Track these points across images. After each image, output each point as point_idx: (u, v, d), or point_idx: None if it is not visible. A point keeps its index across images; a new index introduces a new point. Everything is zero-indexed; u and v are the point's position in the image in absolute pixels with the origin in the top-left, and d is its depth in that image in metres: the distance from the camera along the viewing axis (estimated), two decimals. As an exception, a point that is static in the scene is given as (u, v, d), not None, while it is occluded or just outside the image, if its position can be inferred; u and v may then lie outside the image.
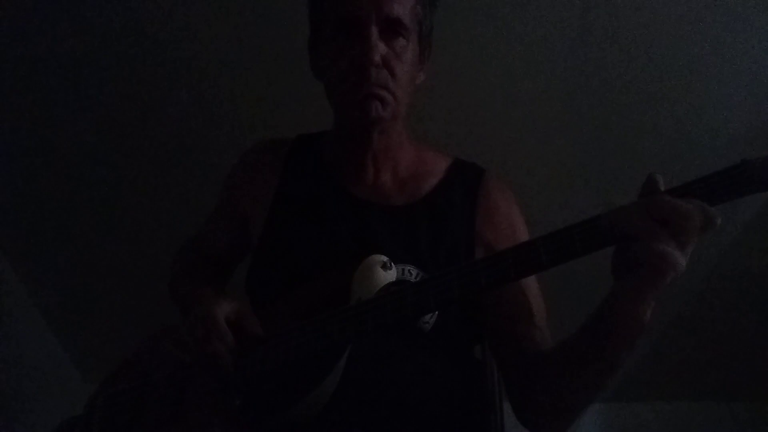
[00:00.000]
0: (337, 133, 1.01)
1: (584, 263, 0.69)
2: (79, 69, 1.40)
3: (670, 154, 1.42)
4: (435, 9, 0.95)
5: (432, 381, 0.86)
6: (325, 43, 0.91)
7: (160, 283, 1.17)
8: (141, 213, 1.59)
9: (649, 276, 0.62)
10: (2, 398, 1.60)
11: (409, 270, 0.85)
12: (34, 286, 1.72)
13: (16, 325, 1.69)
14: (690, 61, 1.33)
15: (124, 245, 1.64)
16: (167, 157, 1.53)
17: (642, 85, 1.36)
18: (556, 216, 0.68)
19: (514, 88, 1.39)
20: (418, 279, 0.85)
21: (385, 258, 0.79)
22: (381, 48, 0.85)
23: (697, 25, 1.29)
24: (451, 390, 0.88)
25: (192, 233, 1.17)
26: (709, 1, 1.26)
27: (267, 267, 0.95)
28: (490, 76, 1.38)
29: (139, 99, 1.45)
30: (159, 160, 1.53)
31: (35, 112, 1.47)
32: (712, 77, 1.35)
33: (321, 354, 0.75)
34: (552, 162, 1.46)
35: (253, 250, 1.01)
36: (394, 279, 0.79)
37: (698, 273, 1.60)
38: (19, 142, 1.51)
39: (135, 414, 0.88)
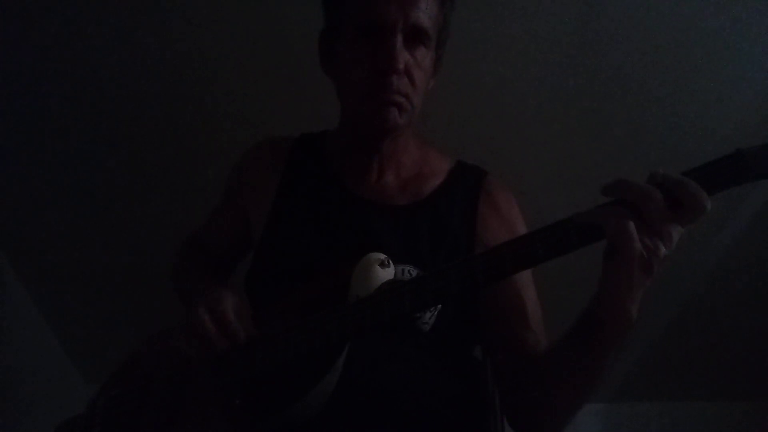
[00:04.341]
0: (343, 133, 1.01)
1: (583, 264, 0.69)
2: (78, 68, 1.40)
3: (668, 153, 1.42)
4: (451, 17, 0.94)
5: (431, 381, 0.86)
6: (344, 43, 0.90)
7: (161, 283, 1.17)
8: (141, 213, 1.59)
9: (620, 259, 0.62)
10: (2, 398, 1.60)
11: (409, 270, 0.85)
12: (34, 286, 1.72)
13: (16, 325, 1.69)
14: (688, 60, 1.33)
15: (124, 245, 1.64)
16: (168, 156, 1.53)
17: (641, 85, 1.37)
18: (556, 216, 0.68)
19: (513, 88, 1.39)
20: (416, 278, 0.85)
21: (383, 256, 0.80)
22: (404, 56, 0.85)
23: (695, 25, 1.29)
24: (450, 390, 0.88)
25: (194, 231, 1.18)
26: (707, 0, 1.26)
27: (268, 265, 0.96)
28: (489, 76, 1.38)
29: (139, 98, 1.44)
30: (160, 159, 1.53)
31: (35, 112, 1.47)
32: (711, 77, 1.35)
33: (319, 352, 0.76)
34: (552, 162, 1.46)
35: (255, 248, 1.01)
36: (392, 277, 0.79)
37: (698, 273, 1.60)
38: (19, 142, 1.51)
39: (136, 414, 0.89)
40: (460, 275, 0.69)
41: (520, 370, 0.83)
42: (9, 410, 1.61)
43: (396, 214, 0.93)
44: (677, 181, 0.61)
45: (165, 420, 0.85)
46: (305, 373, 0.76)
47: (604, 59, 1.34)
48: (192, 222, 1.18)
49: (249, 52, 1.38)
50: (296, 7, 1.28)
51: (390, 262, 0.80)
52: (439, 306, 0.85)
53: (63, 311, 1.76)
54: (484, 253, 0.70)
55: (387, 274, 0.79)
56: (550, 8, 1.29)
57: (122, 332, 1.39)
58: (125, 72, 1.41)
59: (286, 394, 0.76)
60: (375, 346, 0.82)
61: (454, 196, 0.96)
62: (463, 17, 1.28)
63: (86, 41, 1.36)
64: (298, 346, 0.77)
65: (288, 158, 1.03)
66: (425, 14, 0.85)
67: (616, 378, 1.79)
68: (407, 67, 0.85)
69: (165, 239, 1.23)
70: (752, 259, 1.58)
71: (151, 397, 0.88)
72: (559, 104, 1.40)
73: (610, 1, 1.28)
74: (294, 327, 0.78)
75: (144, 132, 1.49)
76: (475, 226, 0.93)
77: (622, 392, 1.82)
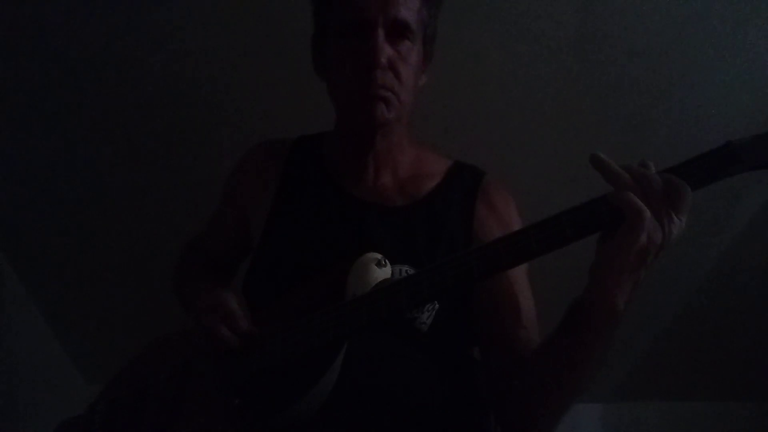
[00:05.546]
0: (338, 133, 1.01)
1: (581, 266, 0.70)
2: (78, 68, 1.40)
3: (669, 153, 1.41)
4: (439, 11, 0.95)
5: (429, 381, 0.86)
6: (330, 42, 0.91)
7: (161, 284, 1.17)
8: (141, 213, 1.59)
9: (622, 234, 0.62)
10: (2, 398, 1.60)
11: (406, 270, 0.86)
12: (34, 286, 1.72)
13: (16, 325, 1.69)
14: (689, 61, 1.33)
15: (124, 245, 1.64)
16: (168, 158, 1.53)
17: (641, 85, 1.37)
18: (555, 216, 0.69)
19: (513, 87, 1.39)
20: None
21: (379, 255, 0.80)
22: (387, 50, 0.86)
23: (695, 24, 1.29)
24: (448, 390, 0.88)
25: (193, 234, 1.18)
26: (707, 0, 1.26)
27: (266, 267, 0.96)
28: (489, 76, 1.38)
29: (139, 99, 1.44)
30: (160, 160, 1.53)
31: (35, 112, 1.47)
32: (712, 76, 1.35)
33: (318, 351, 0.76)
34: (552, 162, 1.46)
35: (254, 250, 1.01)
36: (389, 276, 0.80)
37: (698, 273, 1.60)
38: (19, 142, 1.51)
39: (136, 414, 0.89)
40: (456, 269, 0.69)
41: (510, 367, 0.83)
42: (9, 410, 1.61)
43: (393, 215, 0.94)
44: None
45: (165, 420, 0.85)
46: (304, 373, 0.76)
47: (604, 59, 1.34)
48: (192, 222, 1.18)
49: (249, 54, 1.38)
50: (295, 8, 1.28)
51: (386, 261, 0.80)
52: (437, 306, 0.85)
53: (63, 311, 1.76)
54: (479, 247, 0.70)
55: (384, 273, 0.79)
56: (550, 7, 1.29)
57: (123, 333, 1.39)
58: (125, 72, 1.41)
59: (285, 394, 0.76)
60: (373, 347, 0.82)
61: (451, 196, 0.96)
62: (463, 17, 1.28)
63: (86, 41, 1.37)
64: (296, 345, 0.77)
65: (286, 160, 1.04)
66: (406, 8, 0.86)
67: (616, 378, 1.79)
68: (391, 62, 0.86)
69: (165, 239, 1.23)
70: (752, 259, 1.58)
71: (152, 397, 0.88)
72: (558, 104, 1.40)
73: (610, 1, 1.28)
74: (292, 327, 0.78)
75: (144, 133, 1.50)
76: (472, 226, 0.93)
77: (622, 392, 1.82)
